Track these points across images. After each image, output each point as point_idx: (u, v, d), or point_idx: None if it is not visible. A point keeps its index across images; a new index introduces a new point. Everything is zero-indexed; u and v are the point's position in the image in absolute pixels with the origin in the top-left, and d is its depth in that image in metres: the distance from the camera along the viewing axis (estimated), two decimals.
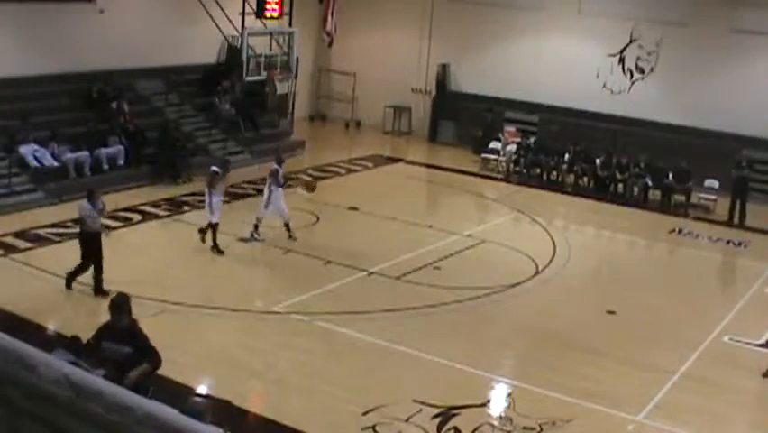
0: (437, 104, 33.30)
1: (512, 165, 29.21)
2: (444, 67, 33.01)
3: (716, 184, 27.17)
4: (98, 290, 15.88)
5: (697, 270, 21.83)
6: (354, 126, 34.90)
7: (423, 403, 12.93)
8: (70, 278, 16.20)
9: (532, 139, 30.03)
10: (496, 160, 29.65)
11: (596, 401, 13.54)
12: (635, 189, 27.39)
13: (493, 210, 25.66)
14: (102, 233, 16.48)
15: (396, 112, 34.06)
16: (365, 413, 12.57)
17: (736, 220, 25.56)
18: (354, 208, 23.37)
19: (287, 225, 20.07)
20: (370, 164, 28.90)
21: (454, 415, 12.76)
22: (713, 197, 26.94)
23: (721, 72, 28.71)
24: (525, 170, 28.98)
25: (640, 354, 15.61)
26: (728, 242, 23.89)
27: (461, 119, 32.73)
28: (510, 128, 30.61)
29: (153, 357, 9.89)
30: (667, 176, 26.98)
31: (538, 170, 28.92)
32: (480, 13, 31.77)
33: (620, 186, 27.69)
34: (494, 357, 15.33)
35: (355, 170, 28.22)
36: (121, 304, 10.10)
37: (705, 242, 23.82)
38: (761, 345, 16.47)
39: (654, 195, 27.14)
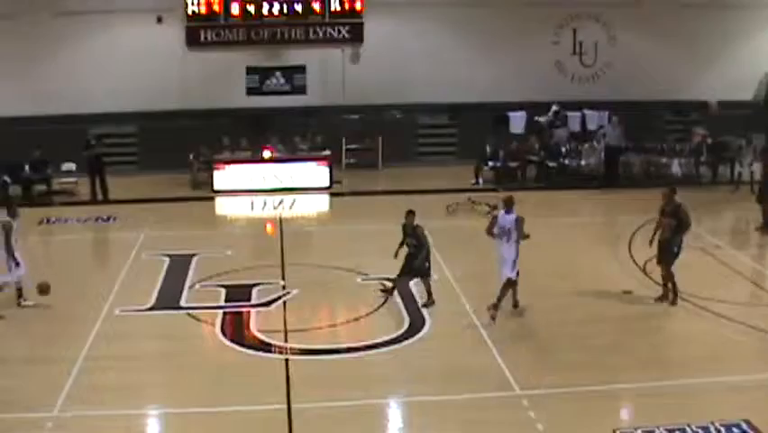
0: None
1: None
2: None
3: (73, 166, 27.77)
4: None
5: (74, 253, 22.19)
6: None
7: None
8: None
9: None
10: None
11: (11, 410, 13.24)
12: None
13: None
14: None
15: None
16: None
17: (99, 197, 26.43)
18: None
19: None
20: None
21: None
22: (73, 179, 27.52)
23: (56, 56, 29.30)
24: None
25: (40, 350, 15.53)
26: (97, 219, 24.68)
27: None
28: None
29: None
30: (23, 168, 26.84)
31: None
32: None
33: None
34: None
35: None
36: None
37: (75, 224, 24.35)
38: (150, 309, 17.46)
39: (15, 190, 26.81)
